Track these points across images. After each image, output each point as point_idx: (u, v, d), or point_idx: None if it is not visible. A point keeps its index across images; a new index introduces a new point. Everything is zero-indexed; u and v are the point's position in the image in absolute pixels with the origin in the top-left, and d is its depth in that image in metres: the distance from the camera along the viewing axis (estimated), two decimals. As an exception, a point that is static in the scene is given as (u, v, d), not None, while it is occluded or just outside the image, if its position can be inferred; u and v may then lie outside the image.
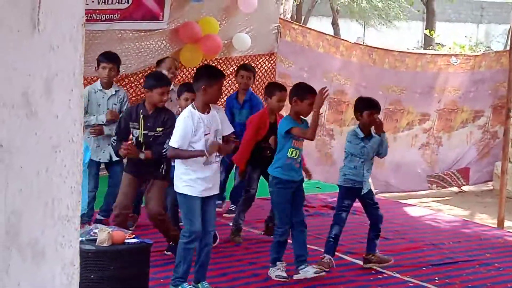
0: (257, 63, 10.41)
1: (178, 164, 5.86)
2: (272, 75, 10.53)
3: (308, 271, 6.32)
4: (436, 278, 6.62)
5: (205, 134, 5.72)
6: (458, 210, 10.67)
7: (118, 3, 9.18)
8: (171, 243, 6.59)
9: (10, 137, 1.81)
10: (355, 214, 8.49)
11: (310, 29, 11.33)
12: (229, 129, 5.99)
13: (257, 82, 10.48)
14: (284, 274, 6.35)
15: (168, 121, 6.48)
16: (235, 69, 10.10)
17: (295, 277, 6.34)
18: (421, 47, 29.65)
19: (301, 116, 6.47)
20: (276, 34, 10.45)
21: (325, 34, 11.42)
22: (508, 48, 10.57)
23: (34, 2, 1.81)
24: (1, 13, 1.75)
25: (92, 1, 8.94)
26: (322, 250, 7.03)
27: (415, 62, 11.39)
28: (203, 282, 5.87)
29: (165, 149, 6.32)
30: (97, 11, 9.06)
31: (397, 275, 6.65)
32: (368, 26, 30.76)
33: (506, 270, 7.01)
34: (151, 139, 6.49)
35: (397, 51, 11.95)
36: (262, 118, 7.21)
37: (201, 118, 5.72)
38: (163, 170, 6.50)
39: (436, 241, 7.82)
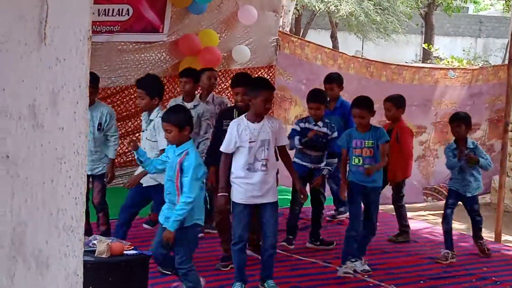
0: (256, 75, 10.44)
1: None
2: (271, 88, 10.56)
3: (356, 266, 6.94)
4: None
5: (250, 142, 6.04)
6: (455, 223, 10.67)
7: (119, 15, 9.23)
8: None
9: (16, 148, 1.84)
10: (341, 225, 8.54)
11: (309, 42, 11.37)
12: (283, 141, 6.29)
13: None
14: (367, 268, 6.98)
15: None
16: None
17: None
18: (420, 60, 29.75)
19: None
20: (275, 47, 10.50)
21: (324, 47, 11.47)
22: (506, 62, 10.60)
23: (41, 16, 1.84)
24: (9, 27, 1.78)
25: (93, 13, 8.97)
26: (321, 262, 7.07)
27: (412, 75, 11.44)
28: (269, 280, 6.23)
29: None
30: (98, 23, 9.11)
31: (395, 288, 6.66)
32: (366, 40, 30.85)
33: (503, 284, 7.02)
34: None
35: (394, 64, 12.00)
36: None
37: (248, 127, 6.08)
38: None
39: (434, 255, 7.83)
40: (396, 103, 8.19)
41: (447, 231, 7.67)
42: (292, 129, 7.73)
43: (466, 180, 7.65)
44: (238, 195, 6.08)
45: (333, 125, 7.58)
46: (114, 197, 7.59)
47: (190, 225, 5.54)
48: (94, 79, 7.45)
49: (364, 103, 7.00)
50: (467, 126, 7.70)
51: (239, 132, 6.03)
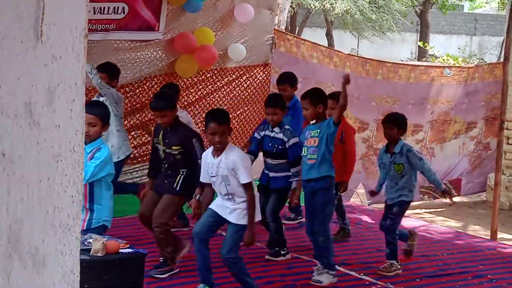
0: (252, 73, 10.45)
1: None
2: (267, 86, 10.57)
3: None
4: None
5: (211, 177, 6.00)
6: (451, 221, 10.70)
7: (114, 13, 9.21)
8: (161, 259, 6.56)
9: (12, 146, 1.84)
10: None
11: (305, 40, 11.37)
12: (243, 179, 5.86)
13: (251, 93, 10.52)
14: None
15: (185, 139, 6.58)
16: (229, 79, 10.17)
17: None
18: (415, 58, 29.79)
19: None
20: (271, 45, 10.48)
21: (319, 45, 11.46)
22: (501, 60, 10.62)
23: (37, 14, 1.84)
24: (5, 25, 1.77)
25: (89, 11, 8.96)
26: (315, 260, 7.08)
27: (408, 73, 11.44)
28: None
29: (182, 170, 6.52)
30: (93, 21, 9.08)
31: (391, 286, 6.67)
32: (361, 38, 30.87)
33: (499, 282, 7.03)
34: (168, 156, 6.59)
35: (390, 62, 11.99)
36: None
37: (209, 161, 6.00)
38: (177, 185, 6.55)
39: (429, 253, 7.85)
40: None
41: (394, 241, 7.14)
42: (252, 137, 7.48)
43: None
44: (215, 201, 6.07)
45: (291, 131, 7.13)
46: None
47: (97, 226, 5.52)
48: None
49: (305, 94, 6.77)
50: (400, 128, 7.15)
51: (206, 165, 5.98)
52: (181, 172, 6.54)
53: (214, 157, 5.89)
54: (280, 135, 7.07)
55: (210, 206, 6.00)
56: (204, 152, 6.11)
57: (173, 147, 6.53)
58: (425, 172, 7.17)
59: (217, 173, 5.85)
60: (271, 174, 7.21)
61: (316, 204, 6.56)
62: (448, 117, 11.79)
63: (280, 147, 7.06)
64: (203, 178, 6.05)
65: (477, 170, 12.18)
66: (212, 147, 5.95)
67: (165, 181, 6.58)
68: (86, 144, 5.28)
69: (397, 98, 11.32)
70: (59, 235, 1.96)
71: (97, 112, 5.53)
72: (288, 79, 8.33)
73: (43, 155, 1.90)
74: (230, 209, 5.88)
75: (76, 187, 1.97)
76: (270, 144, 7.10)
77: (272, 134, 7.11)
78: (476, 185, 12.28)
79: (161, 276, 6.41)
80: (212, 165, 5.89)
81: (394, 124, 7.12)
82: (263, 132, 7.21)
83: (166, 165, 6.61)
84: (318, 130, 6.55)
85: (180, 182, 6.52)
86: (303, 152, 6.65)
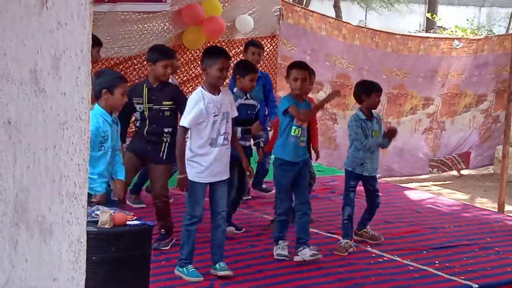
0: (260, 45, 10.38)
1: (186, 149, 5.85)
2: (274, 58, 10.52)
3: (305, 253, 6.35)
4: (436, 262, 6.64)
5: (214, 116, 5.77)
6: (459, 194, 10.70)
7: (121, -16, 9.16)
8: (162, 230, 6.55)
9: (18, 114, 1.82)
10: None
11: (313, 11, 11.30)
12: (234, 113, 6.01)
13: (259, 65, 10.46)
14: (285, 253, 6.40)
15: (177, 95, 6.54)
16: (237, 51, 10.11)
17: (295, 259, 6.37)
18: (423, 30, 29.59)
19: (303, 96, 6.51)
20: (278, 16, 10.42)
21: (328, 16, 11.40)
22: (510, 31, 10.54)
23: (42, -21, 1.81)
24: (9, -11, 1.75)
25: (95, -18, 8.92)
26: (322, 233, 7.08)
27: (417, 45, 11.37)
28: (220, 262, 5.94)
29: (167, 129, 6.37)
30: (100, -8, 9.04)
31: (397, 258, 6.67)
32: (369, 9, 30.68)
33: (506, 254, 7.03)
34: (155, 113, 6.47)
35: (399, 34, 11.92)
36: None
37: (211, 99, 5.77)
38: (164, 154, 6.49)
39: (436, 225, 7.84)
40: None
41: (349, 217, 6.85)
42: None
43: (374, 158, 6.96)
44: (198, 173, 5.79)
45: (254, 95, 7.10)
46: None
47: None
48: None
49: (307, 67, 6.68)
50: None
51: (205, 106, 5.73)
52: (165, 136, 6.44)
53: (214, 94, 5.80)
54: (252, 101, 6.99)
55: (198, 181, 5.80)
56: (196, 95, 5.82)
57: (164, 103, 6.46)
58: None
59: (220, 110, 5.78)
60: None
61: (304, 179, 6.50)
62: (459, 90, 11.74)
63: (253, 113, 6.96)
64: (192, 123, 5.74)
65: (486, 143, 12.16)
66: (201, 89, 5.82)
67: (149, 147, 6.48)
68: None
69: (407, 71, 11.26)
70: (65, 204, 1.95)
71: None
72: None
73: (49, 123, 1.89)
74: (226, 163, 5.85)
75: (83, 155, 1.96)
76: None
77: (246, 102, 6.91)
78: (485, 158, 12.26)
79: (165, 248, 6.42)
80: (216, 103, 5.76)
81: (381, 92, 7.02)
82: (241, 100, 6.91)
83: (150, 125, 6.48)
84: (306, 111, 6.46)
85: (166, 150, 6.45)
86: (295, 132, 6.36)
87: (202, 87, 5.85)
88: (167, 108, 6.46)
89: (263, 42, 10.40)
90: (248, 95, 6.93)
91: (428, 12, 25.33)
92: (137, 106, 6.52)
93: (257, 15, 10.20)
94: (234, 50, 10.16)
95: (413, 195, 9.46)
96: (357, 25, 11.82)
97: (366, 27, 11.95)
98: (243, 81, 6.87)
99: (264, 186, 8.49)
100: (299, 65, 6.66)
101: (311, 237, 6.52)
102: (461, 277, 6.28)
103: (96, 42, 7.51)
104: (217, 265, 5.91)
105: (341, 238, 6.85)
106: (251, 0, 10.13)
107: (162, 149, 6.45)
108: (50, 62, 1.85)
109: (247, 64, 7.18)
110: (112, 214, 5.27)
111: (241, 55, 10.23)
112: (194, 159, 5.79)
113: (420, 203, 8.86)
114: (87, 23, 1.91)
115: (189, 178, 5.78)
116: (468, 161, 12.10)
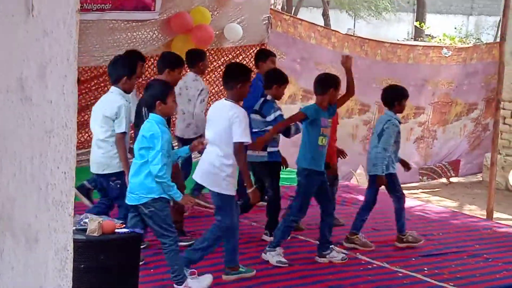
0: (248, 53, 10.41)
1: (226, 165, 5.84)
2: (263, 66, 10.52)
3: (335, 256, 6.64)
4: (425, 269, 6.65)
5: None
6: (448, 201, 10.72)
7: (110, -7, 9.16)
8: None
9: (4, 122, 1.82)
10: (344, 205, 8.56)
11: (302, 20, 11.31)
12: None
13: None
14: (284, 260, 6.48)
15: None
16: (226, 59, 10.11)
17: (322, 260, 6.62)
18: (412, 38, 29.70)
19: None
20: (267, 25, 10.44)
21: (317, 25, 11.41)
22: (498, 40, 10.60)
23: (28, -12, 1.81)
24: (-5, -2, 1.75)
25: (83, -10, 8.91)
26: (312, 240, 7.08)
27: (407, 54, 11.39)
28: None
29: None
30: (88, 0, 9.03)
31: (387, 265, 6.68)
32: (358, 18, 30.78)
33: (494, 261, 7.05)
34: None
35: (388, 42, 11.95)
36: None
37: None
38: None
39: (425, 232, 7.85)
40: None
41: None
42: (280, 114, 7.09)
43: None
44: (234, 187, 5.99)
45: None
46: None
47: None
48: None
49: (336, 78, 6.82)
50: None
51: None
52: None
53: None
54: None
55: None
56: (242, 109, 5.98)
57: None
58: None
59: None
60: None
61: (326, 184, 6.69)
62: (449, 99, 11.76)
63: None
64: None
65: (475, 151, 12.19)
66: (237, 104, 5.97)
67: None
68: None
69: (398, 79, 11.24)
70: (52, 212, 1.95)
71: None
72: None
73: (35, 131, 1.89)
74: None
75: (69, 163, 1.95)
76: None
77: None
78: (475, 166, 12.29)
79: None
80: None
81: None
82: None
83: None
84: (330, 120, 6.67)
85: None
86: (322, 142, 6.51)
87: (232, 101, 5.96)
88: None
89: (251, 51, 10.43)
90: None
91: (416, 21, 25.45)
92: None
93: (246, 23, 10.22)
94: (222, 59, 10.17)
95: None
96: (346, 34, 11.84)
97: (355, 35, 11.96)
98: (279, 89, 7.14)
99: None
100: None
101: None
102: (450, 284, 6.30)
103: (140, 58, 7.50)
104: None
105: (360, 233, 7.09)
106: (240, 8, 10.14)
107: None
108: (36, 71, 1.85)
109: (283, 74, 7.35)
110: (101, 222, 5.26)
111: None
112: (232, 175, 5.91)
113: (409, 210, 8.85)
114: (73, 32, 1.91)
115: (229, 193, 5.87)
116: (457, 169, 12.12)
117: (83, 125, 8.66)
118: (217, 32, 9.97)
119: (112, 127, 6.17)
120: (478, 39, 28.38)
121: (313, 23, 11.27)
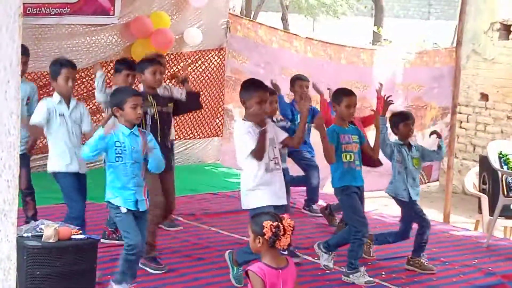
0: (207, 58, 10.41)
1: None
2: (222, 70, 10.53)
3: (359, 278, 6.43)
4: (383, 273, 6.68)
5: None
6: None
7: (69, -3, 9.09)
8: None
9: None
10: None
11: (261, 24, 11.33)
12: (281, 136, 6.04)
13: (207, 77, 10.47)
14: (371, 278, 6.43)
15: (171, 96, 6.76)
16: (185, 64, 10.06)
17: (347, 279, 6.48)
18: (370, 43, 29.90)
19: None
20: (226, 29, 10.44)
21: (277, 29, 11.43)
22: (455, 44, 10.71)
23: (-31, -8, 1.78)
24: None
25: (40, -6, 8.83)
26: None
27: (370, 57, 11.42)
28: None
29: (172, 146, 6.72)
30: (46, 5, 8.95)
31: (343, 269, 6.67)
32: (316, 22, 30.90)
33: (451, 265, 7.10)
34: (165, 115, 6.49)
35: (350, 46, 11.96)
36: None
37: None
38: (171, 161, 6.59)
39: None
40: None
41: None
42: (283, 127, 6.84)
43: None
44: (263, 199, 5.79)
45: None
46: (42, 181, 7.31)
47: None
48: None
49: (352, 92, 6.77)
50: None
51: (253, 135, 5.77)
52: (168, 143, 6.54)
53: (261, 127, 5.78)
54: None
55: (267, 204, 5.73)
56: (244, 128, 5.79)
57: (168, 104, 6.54)
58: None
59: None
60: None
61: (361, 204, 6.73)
62: (423, 102, 11.80)
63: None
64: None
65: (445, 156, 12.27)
66: (248, 122, 5.80)
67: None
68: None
69: (366, 83, 11.22)
70: (-6, 221, 1.91)
71: None
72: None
73: (-23, 139, 1.85)
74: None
75: (12, 171, 1.92)
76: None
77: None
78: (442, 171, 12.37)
79: None
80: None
81: (413, 119, 7.12)
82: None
83: (162, 127, 6.43)
84: (357, 136, 6.62)
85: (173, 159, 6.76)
86: (349, 158, 6.50)
87: (245, 119, 5.85)
88: (170, 109, 6.56)
89: (210, 55, 10.42)
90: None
91: (374, 25, 25.63)
92: (147, 110, 6.32)
93: (205, 28, 10.21)
94: (182, 63, 10.14)
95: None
96: (307, 37, 11.84)
97: (316, 39, 11.98)
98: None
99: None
100: (348, 93, 6.76)
101: None
102: (407, 288, 6.34)
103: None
104: None
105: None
106: (199, 13, 10.13)
107: (171, 156, 6.61)
108: (-23, 77, 1.82)
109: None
110: (57, 228, 5.22)
111: (189, 68, 10.20)
112: (260, 187, 5.81)
113: (367, 215, 8.88)
114: (16, 36, 1.88)
115: (255, 204, 5.73)
116: (430, 175, 12.18)
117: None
118: (176, 37, 9.95)
119: None
120: (435, 43, 28.67)
121: (273, 27, 11.29)
